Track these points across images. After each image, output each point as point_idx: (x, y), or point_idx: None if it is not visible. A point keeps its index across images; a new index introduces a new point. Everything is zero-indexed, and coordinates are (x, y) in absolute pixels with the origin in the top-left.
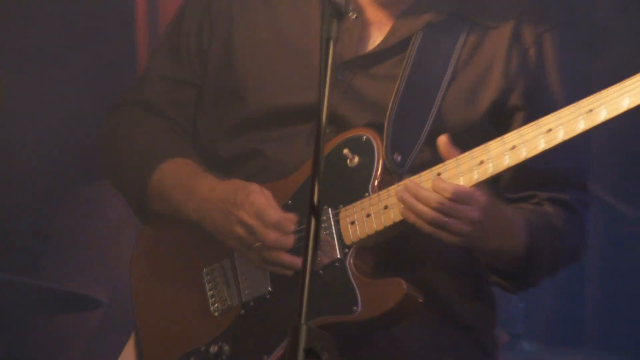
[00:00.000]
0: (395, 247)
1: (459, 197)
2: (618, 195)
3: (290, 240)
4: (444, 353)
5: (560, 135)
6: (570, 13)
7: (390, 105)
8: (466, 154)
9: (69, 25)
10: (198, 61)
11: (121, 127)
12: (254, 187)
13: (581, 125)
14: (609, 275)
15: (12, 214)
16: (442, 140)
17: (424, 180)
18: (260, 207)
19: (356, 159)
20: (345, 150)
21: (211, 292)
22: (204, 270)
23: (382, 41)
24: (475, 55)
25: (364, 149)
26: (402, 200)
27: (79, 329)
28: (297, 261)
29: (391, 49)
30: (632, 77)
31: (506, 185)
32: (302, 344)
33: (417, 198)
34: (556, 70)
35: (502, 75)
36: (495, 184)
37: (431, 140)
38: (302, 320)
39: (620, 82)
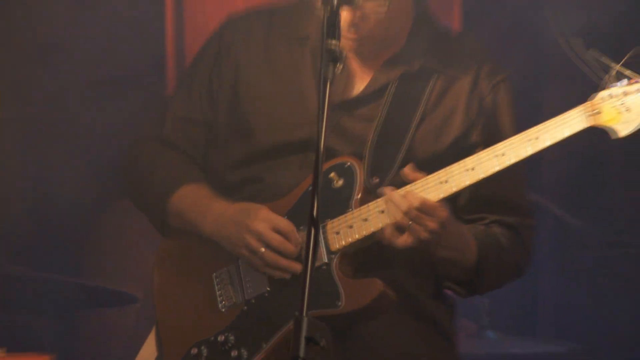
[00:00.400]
0: (372, 253)
1: (424, 208)
2: (566, 210)
3: (292, 248)
4: (415, 342)
5: (512, 158)
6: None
7: (370, 139)
8: (433, 174)
9: (106, 66)
10: (208, 105)
11: (143, 157)
12: (263, 206)
13: (529, 150)
14: (557, 276)
15: (63, 224)
16: (407, 169)
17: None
18: (271, 217)
19: (341, 181)
20: (332, 174)
21: (219, 292)
22: (214, 274)
23: (364, 89)
24: (441, 101)
25: (347, 173)
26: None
27: (119, 322)
28: (293, 265)
29: (371, 95)
30: (571, 110)
31: (462, 208)
32: (304, 333)
33: (391, 200)
34: (508, 114)
35: (463, 118)
36: (454, 206)
37: (404, 167)
38: (304, 313)
39: (562, 114)
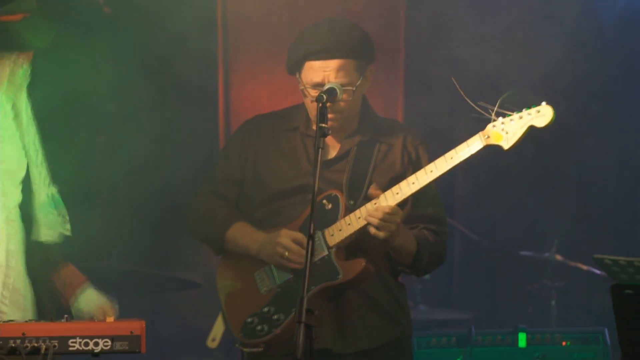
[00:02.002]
0: (356, 244)
1: (392, 211)
2: (469, 229)
3: (303, 251)
4: (382, 302)
5: (437, 173)
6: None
7: (344, 181)
8: (389, 190)
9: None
10: (240, 170)
11: (205, 205)
12: (284, 229)
13: (447, 166)
14: (464, 270)
15: (158, 234)
16: (372, 187)
17: (368, 207)
18: (290, 233)
19: (330, 205)
20: (325, 201)
21: (260, 282)
22: (255, 273)
23: (337, 153)
24: (386, 157)
25: (334, 200)
26: (367, 216)
27: (187, 299)
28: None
29: (341, 156)
30: (471, 137)
31: (404, 221)
32: (305, 306)
33: (372, 215)
34: (426, 161)
35: (400, 166)
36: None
37: (368, 194)
38: (305, 294)
39: (466, 141)
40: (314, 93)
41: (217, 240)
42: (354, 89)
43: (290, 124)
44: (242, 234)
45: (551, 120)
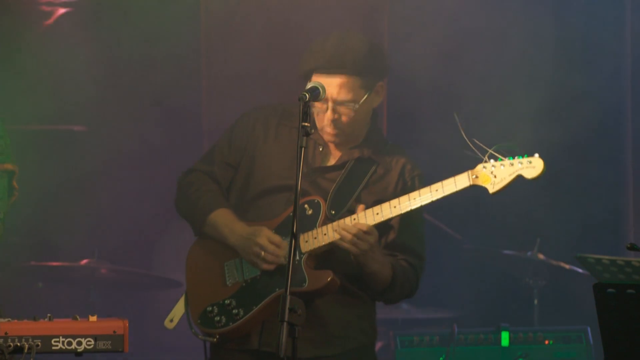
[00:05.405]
0: (328, 255)
1: (368, 230)
2: (454, 229)
3: (280, 252)
4: (348, 312)
5: (420, 202)
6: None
7: (331, 190)
8: (370, 209)
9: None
10: (240, 155)
11: (194, 184)
12: (264, 227)
13: (430, 198)
14: (447, 270)
15: (140, 236)
16: (360, 207)
17: (347, 221)
18: (268, 234)
19: (311, 211)
20: (306, 206)
21: (227, 273)
22: (225, 262)
23: (335, 162)
24: (380, 180)
25: (315, 206)
26: (341, 230)
27: (170, 298)
28: (279, 261)
29: (337, 166)
30: (460, 174)
31: (384, 247)
32: (287, 305)
33: (345, 230)
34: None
35: (392, 191)
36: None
37: (351, 208)
38: (287, 293)
39: (454, 176)
40: (319, 105)
41: (199, 221)
42: (357, 105)
43: (295, 121)
44: (223, 221)
45: (541, 173)
